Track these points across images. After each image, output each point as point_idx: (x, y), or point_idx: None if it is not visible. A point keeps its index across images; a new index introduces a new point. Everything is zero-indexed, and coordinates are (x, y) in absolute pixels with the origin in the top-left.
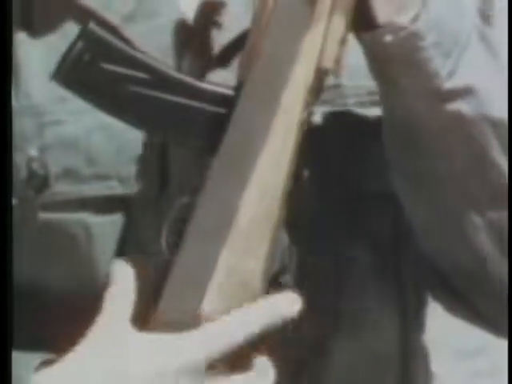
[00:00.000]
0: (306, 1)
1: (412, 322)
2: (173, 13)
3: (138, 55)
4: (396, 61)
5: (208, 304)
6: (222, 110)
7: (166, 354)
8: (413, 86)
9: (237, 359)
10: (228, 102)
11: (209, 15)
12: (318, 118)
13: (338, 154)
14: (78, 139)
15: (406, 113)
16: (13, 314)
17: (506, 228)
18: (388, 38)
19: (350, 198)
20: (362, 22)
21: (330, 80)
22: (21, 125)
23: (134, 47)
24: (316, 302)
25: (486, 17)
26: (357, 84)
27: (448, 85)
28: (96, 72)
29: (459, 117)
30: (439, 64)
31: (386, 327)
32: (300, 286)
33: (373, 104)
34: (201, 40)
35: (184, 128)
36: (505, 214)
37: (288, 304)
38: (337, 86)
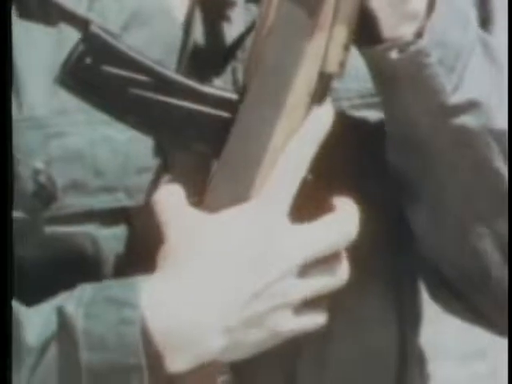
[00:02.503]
0: (310, 5)
1: (409, 323)
2: (166, 21)
3: (140, 58)
4: (402, 77)
5: None
6: (225, 114)
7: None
8: (418, 103)
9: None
10: (231, 106)
11: (218, 9)
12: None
13: (340, 156)
14: (83, 151)
15: (411, 127)
16: (12, 327)
17: (507, 237)
18: (394, 54)
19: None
20: (367, 35)
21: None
22: (25, 137)
23: (136, 50)
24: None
25: (483, 21)
26: (348, 87)
27: (453, 100)
28: (98, 75)
29: (464, 131)
30: (444, 80)
31: (383, 327)
32: None
33: (365, 107)
34: (210, 34)
35: (187, 131)
36: (506, 226)
37: (326, 115)
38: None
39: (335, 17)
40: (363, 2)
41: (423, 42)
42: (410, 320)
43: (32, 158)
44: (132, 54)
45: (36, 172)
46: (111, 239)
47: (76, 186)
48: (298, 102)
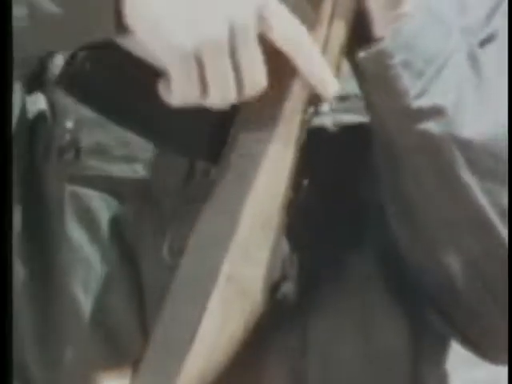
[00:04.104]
0: (308, 8)
1: (422, 333)
2: None
3: (140, 64)
4: (367, 77)
5: (209, 312)
6: (223, 120)
7: None
8: (382, 103)
9: None
10: (229, 111)
11: None
12: (317, 130)
13: (339, 162)
14: None
15: (380, 128)
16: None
17: (475, 251)
18: (361, 54)
19: (351, 207)
20: (360, 37)
21: (353, 89)
22: (63, 97)
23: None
24: (318, 309)
25: (488, 37)
26: None
27: (417, 104)
28: (98, 80)
29: (428, 136)
30: (409, 83)
31: (392, 333)
32: (301, 293)
33: None
34: None
35: (186, 136)
36: (472, 239)
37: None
38: (358, 95)
39: (332, 19)
40: (359, 5)
41: (385, 43)
42: (422, 330)
43: (65, 117)
44: (131, 59)
45: (65, 130)
46: (125, 210)
47: (99, 150)
48: (295, 105)
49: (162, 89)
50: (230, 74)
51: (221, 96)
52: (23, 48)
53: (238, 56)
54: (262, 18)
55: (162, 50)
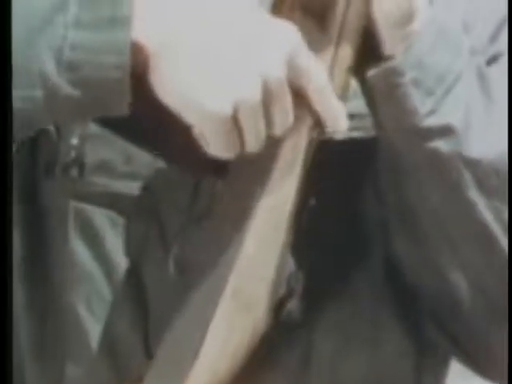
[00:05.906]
0: (316, 29)
1: (423, 344)
2: None
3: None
4: (376, 94)
5: (213, 328)
6: None
7: None
8: (391, 122)
9: None
10: None
11: None
12: (323, 147)
13: (344, 179)
14: None
15: (388, 146)
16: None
17: (478, 268)
18: (371, 72)
19: (357, 223)
20: (368, 55)
21: (358, 108)
22: None
23: None
24: (323, 326)
25: (493, 57)
26: None
27: (427, 122)
28: None
29: (436, 154)
30: (419, 101)
31: (396, 351)
32: (306, 310)
33: None
34: None
35: (193, 152)
36: (476, 256)
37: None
38: (363, 114)
39: (340, 38)
40: (367, 23)
41: (396, 61)
42: (426, 346)
43: (70, 133)
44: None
45: (70, 147)
46: (128, 226)
47: (104, 167)
48: (303, 123)
49: (199, 137)
50: (265, 125)
51: (256, 144)
52: (33, 123)
53: (272, 107)
54: (293, 67)
55: (198, 119)
